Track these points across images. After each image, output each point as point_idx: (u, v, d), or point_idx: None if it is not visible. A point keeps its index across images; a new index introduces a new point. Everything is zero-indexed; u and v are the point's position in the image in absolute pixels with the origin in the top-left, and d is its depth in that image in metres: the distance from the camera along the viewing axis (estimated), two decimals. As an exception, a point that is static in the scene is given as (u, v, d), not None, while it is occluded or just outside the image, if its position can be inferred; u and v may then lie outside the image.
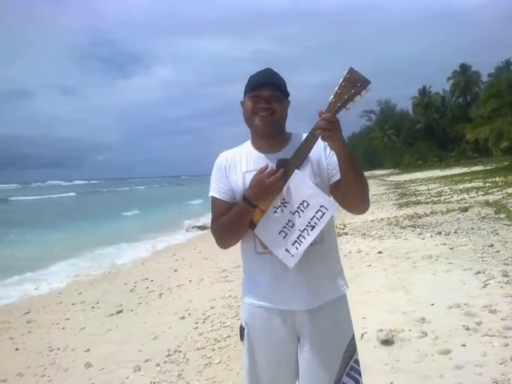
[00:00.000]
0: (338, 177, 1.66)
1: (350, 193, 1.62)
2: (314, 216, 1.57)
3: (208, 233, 11.69)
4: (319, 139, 1.53)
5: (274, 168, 1.65)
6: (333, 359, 1.69)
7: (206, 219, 13.70)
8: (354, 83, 1.47)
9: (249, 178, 1.69)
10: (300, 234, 1.59)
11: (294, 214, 1.60)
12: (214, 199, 1.78)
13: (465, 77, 58.91)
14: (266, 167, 1.60)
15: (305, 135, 1.63)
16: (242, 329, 1.80)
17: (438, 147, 56.24)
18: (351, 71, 1.47)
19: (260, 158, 1.74)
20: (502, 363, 3.07)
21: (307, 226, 1.58)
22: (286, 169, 1.61)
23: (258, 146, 1.77)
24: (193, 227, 15.78)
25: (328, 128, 1.47)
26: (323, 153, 1.72)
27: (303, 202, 1.59)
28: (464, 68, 59.60)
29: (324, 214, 1.57)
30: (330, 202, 1.58)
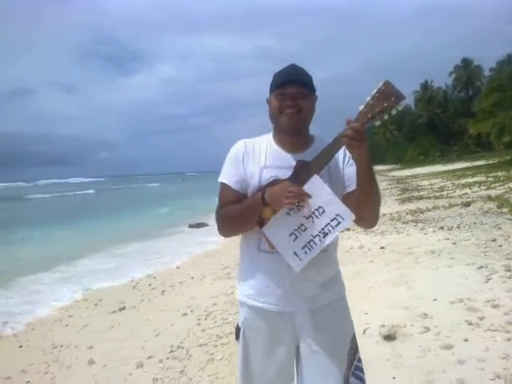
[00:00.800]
0: (352, 188, 1.64)
1: (362, 206, 1.59)
2: (329, 224, 1.55)
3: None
4: (343, 147, 1.51)
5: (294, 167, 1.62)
6: (338, 359, 1.66)
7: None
8: (388, 96, 1.42)
9: (266, 173, 1.67)
10: (311, 239, 1.57)
11: (307, 218, 1.57)
12: (223, 186, 1.74)
13: (467, 71, 58.77)
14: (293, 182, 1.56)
15: (328, 140, 1.59)
16: (238, 328, 1.77)
17: (440, 142, 56.12)
18: (387, 83, 1.43)
19: (281, 155, 1.71)
20: (504, 358, 3.06)
21: (320, 232, 1.56)
22: (304, 171, 1.58)
23: (280, 142, 1.73)
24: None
25: (355, 138, 1.44)
26: (342, 161, 1.69)
27: (319, 207, 1.56)
28: (466, 62, 59.46)
29: (339, 223, 1.54)
30: (346, 211, 1.55)
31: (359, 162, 1.52)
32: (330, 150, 1.55)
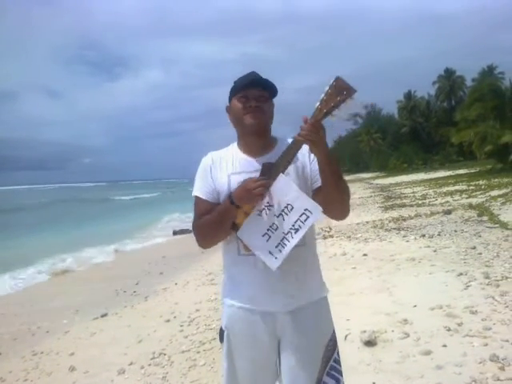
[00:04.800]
0: (319, 183, 1.68)
1: (329, 200, 1.63)
2: (298, 219, 1.59)
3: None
4: (304, 145, 1.56)
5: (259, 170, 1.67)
6: (313, 358, 1.71)
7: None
8: (340, 91, 1.48)
9: (234, 179, 1.71)
10: (284, 237, 1.61)
11: (278, 216, 1.61)
12: (197, 199, 1.79)
13: (449, 81, 59.71)
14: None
15: (289, 141, 1.64)
16: (221, 331, 1.81)
17: (423, 150, 56.84)
18: (338, 79, 1.49)
19: (246, 160, 1.76)
20: (480, 362, 3.13)
21: (291, 228, 1.60)
22: (270, 173, 1.62)
23: (244, 148, 1.79)
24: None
25: (312, 134, 1.49)
26: (307, 159, 1.74)
27: (287, 205, 1.60)
28: (449, 72, 60.43)
29: (308, 217, 1.58)
30: (314, 205, 1.59)
31: (320, 158, 1.57)
32: (292, 149, 1.60)
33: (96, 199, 54.35)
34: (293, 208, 1.60)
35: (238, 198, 1.61)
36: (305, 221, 1.59)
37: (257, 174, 1.67)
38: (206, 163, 1.82)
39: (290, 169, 1.66)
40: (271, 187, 1.60)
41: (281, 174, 1.61)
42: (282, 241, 1.61)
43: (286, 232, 1.61)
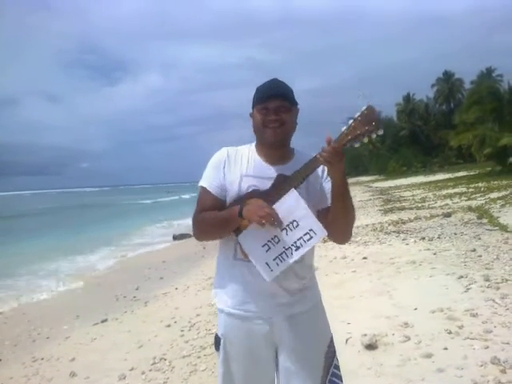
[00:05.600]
0: (327, 204, 1.68)
1: (335, 222, 1.64)
2: (302, 238, 1.59)
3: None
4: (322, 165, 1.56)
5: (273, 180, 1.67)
6: (314, 365, 1.70)
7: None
8: (370, 121, 1.47)
9: (246, 181, 1.71)
10: (283, 252, 1.60)
11: (281, 230, 1.61)
12: (203, 190, 1.76)
13: (448, 84, 59.86)
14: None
15: (307, 154, 1.65)
16: (217, 339, 1.78)
17: (423, 153, 56.86)
18: (370, 108, 1.47)
19: (262, 165, 1.74)
20: (481, 365, 3.13)
21: (292, 245, 1.60)
22: (283, 185, 1.62)
23: (261, 153, 1.77)
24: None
25: (334, 157, 1.49)
26: (321, 176, 1.74)
27: (294, 221, 1.59)
28: (447, 75, 60.59)
29: (312, 238, 1.58)
30: (319, 227, 1.59)
31: (335, 180, 1.58)
32: (310, 166, 1.60)
33: (119, 204, 52.65)
34: (298, 225, 1.59)
35: (247, 216, 1.59)
36: (307, 240, 1.59)
37: (269, 182, 1.67)
38: (220, 156, 1.79)
39: (302, 185, 1.65)
40: (281, 199, 1.60)
41: (293, 189, 1.60)
42: (280, 255, 1.61)
43: (286, 247, 1.60)
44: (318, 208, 1.71)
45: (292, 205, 1.60)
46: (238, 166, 1.76)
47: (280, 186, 1.64)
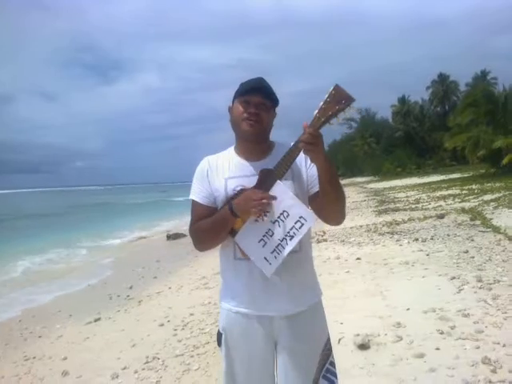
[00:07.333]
0: (316, 188, 1.70)
1: (326, 205, 1.67)
2: (294, 226, 1.61)
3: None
4: (301, 152, 1.57)
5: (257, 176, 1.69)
6: (309, 362, 1.73)
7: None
8: (339, 100, 1.50)
9: (231, 183, 1.73)
10: (279, 244, 1.63)
11: (274, 223, 1.63)
12: (194, 202, 1.81)
13: (443, 86, 60.08)
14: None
15: (287, 145, 1.66)
16: (219, 334, 1.82)
17: (417, 155, 57.06)
18: (337, 87, 1.51)
19: (243, 164, 1.77)
20: (472, 365, 3.15)
21: (286, 235, 1.62)
22: (268, 179, 1.64)
23: (241, 152, 1.80)
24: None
25: (311, 142, 1.51)
26: (304, 164, 1.76)
27: (284, 212, 1.62)
28: (442, 77, 60.82)
29: (303, 224, 1.61)
30: (308, 213, 1.62)
31: (318, 163, 1.59)
32: (290, 156, 1.62)
33: (113, 203, 52.23)
34: (288, 215, 1.62)
35: (240, 210, 1.62)
36: (299, 228, 1.61)
37: (254, 179, 1.69)
38: (202, 167, 1.84)
39: (287, 175, 1.68)
40: (268, 193, 1.62)
41: (278, 180, 1.63)
42: (277, 247, 1.63)
43: (281, 238, 1.63)
44: (308, 194, 1.74)
45: (280, 196, 1.62)
46: (220, 171, 1.79)
47: (265, 180, 1.66)
